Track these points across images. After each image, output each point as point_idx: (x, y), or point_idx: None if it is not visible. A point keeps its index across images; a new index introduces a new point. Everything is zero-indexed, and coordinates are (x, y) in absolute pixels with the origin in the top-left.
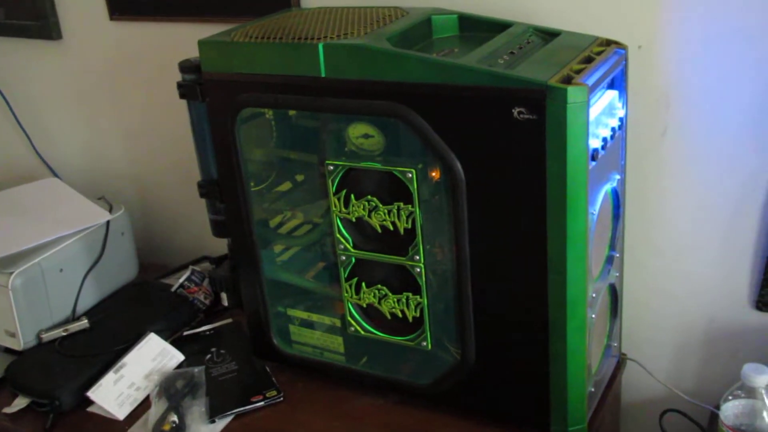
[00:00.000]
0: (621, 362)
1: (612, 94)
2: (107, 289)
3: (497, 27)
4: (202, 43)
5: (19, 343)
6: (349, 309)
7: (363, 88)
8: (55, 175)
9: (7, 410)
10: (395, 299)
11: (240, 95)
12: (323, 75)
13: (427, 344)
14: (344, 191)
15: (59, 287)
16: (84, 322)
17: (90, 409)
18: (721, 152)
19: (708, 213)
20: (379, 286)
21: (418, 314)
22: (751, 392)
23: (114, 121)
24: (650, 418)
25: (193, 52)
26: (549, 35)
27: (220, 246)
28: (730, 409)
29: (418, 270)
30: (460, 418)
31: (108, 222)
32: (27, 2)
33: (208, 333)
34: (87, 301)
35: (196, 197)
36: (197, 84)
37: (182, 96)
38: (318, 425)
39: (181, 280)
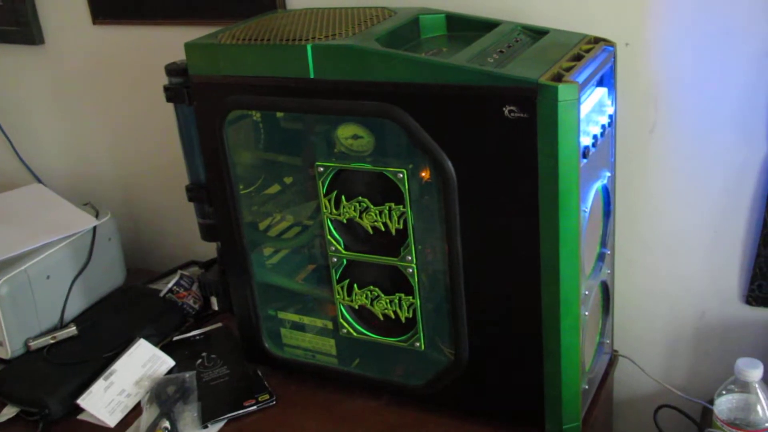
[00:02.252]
0: (613, 359)
1: (601, 92)
2: (95, 296)
3: (485, 26)
4: (188, 46)
5: (7, 352)
6: (341, 311)
7: (352, 89)
8: (39, 181)
9: None
10: (387, 300)
11: (228, 98)
12: (312, 76)
13: (420, 345)
14: (335, 193)
15: (46, 294)
16: (72, 329)
17: (80, 417)
18: (709, 148)
19: (697, 208)
20: (371, 287)
21: (410, 315)
22: (744, 386)
23: (99, 125)
24: (643, 414)
25: (177, 56)
26: (537, 33)
27: (209, 250)
28: (724, 404)
29: (411, 270)
30: (455, 418)
31: (95, 228)
32: (8, 7)
33: (198, 338)
34: (75, 307)
35: (184, 201)
36: (184, 87)
37: (169, 99)
38: (311, 428)
39: (170, 285)
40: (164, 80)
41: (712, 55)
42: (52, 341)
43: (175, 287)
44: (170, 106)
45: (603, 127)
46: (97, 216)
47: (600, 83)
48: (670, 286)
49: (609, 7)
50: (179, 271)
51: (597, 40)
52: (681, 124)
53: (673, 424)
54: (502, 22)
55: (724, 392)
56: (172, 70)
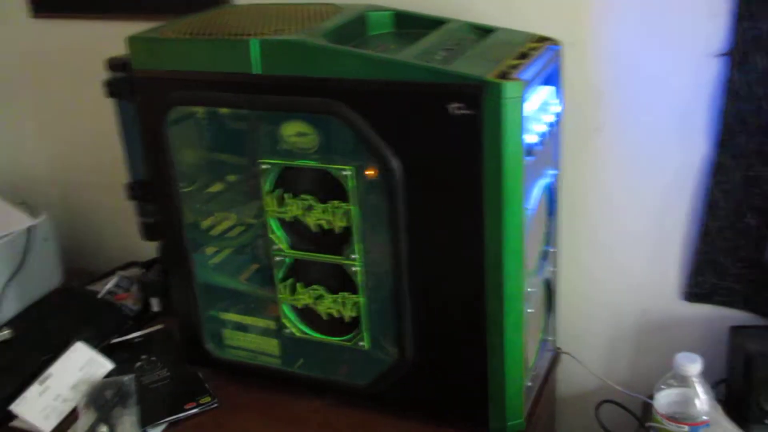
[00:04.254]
0: (556, 356)
1: (547, 90)
2: (30, 298)
3: (432, 23)
4: (131, 40)
5: None
6: (284, 310)
7: (298, 85)
8: None
9: None
10: (332, 299)
11: (171, 93)
12: (257, 72)
13: (365, 344)
14: (279, 191)
15: None
16: (6, 333)
17: (13, 423)
18: (651, 147)
19: (638, 207)
20: (315, 286)
21: (355, 314)
22: (683, 381)
23: (35, 122)
24: (586, 409)
25: (119, 51)
26: (484, 32)
27: (149, 251)
28: (664, 398)
29: (355, 269)
30: (400, 417)
31: (29, 228)
32: None
33: (137, 340)
34: (9, 310)
35: (123, 200)
36: (126, 82)
37: (110, 94)
38: (254, 430)
39: (108, 286)
40: (102, 76)
41: (656, 55)
42: None
43: (114, 288)
44: (108, 102)
45: (549, 125)
46: (32, 216)
47: (546, 82)
48: (611, 284)
49: (554, 7)
50: (118, 272)
51: (543, 39)
52: (625, 124)
53: (615, 419)
54: (449, 20)
55: (663, 387)
56: (113, 64)
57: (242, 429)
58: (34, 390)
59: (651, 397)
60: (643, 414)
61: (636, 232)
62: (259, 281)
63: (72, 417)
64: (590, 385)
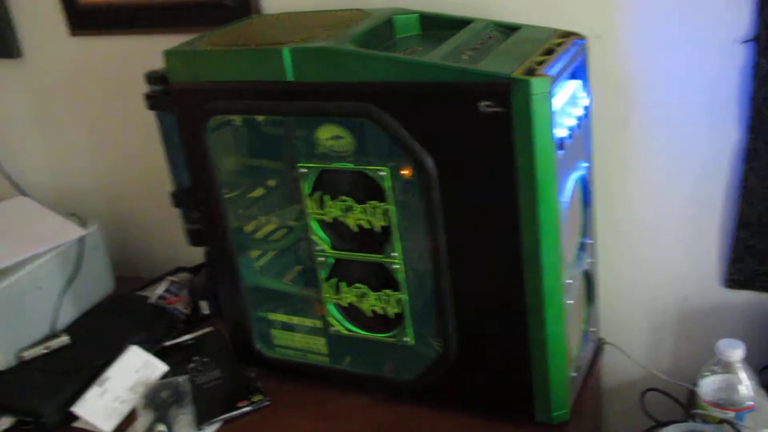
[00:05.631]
0: (599, 346)
1: (575, 84)
2: (85, 305)
3: (458, 24)
4: (167, 54)
5: (0, 363)
6: (330, 309)
7: (331, 90)
8: (24, 194)
9: None
10: (375, 297)
11: (208, 103)
12: (290, 79)
13: (409, 339)
14: (318, 193)
15: (37, 305)
16: (65, 339)
17: (76, 424)
18: (683, 136)
19: (674, 195)
20: (358, 284)
21: (398, 310)
22: (726, 367)
23: (81, 136)
24: (630, 399)
25: (157, 64)
26: (509, 29)
27: (196, 256)
28: (708, 385)
29: (396, 266)
30: (445, 411)
31: (81, 238)
32: None
33: (189, 342)
34: (66, 317)
35: (169, 208)
36: (165, 94)
37: (150, 107)
38: (304, 426)
39: (158, 292)
40: (143, 89)
41: (683, 45)
42: (45, 351)
43: (164, 293)
44: (151, 113)
45: (578, 119)
46: (83, 226)
47: (573, 76)
48: (651, 273)
49: (577, 1)
50: (167, 278)
51: (568, 34)
52: (654, 114)
53: (660, 407)
54: (474, 19)
55: (707, 373)
56: (152, 77)
57: (293, 426)
58: (93, 392)
59: (695, 384)
60: (688, 401)
61: (673, 220)
62: (304, 282)
63: (131, 417)
64: (634, 374)
